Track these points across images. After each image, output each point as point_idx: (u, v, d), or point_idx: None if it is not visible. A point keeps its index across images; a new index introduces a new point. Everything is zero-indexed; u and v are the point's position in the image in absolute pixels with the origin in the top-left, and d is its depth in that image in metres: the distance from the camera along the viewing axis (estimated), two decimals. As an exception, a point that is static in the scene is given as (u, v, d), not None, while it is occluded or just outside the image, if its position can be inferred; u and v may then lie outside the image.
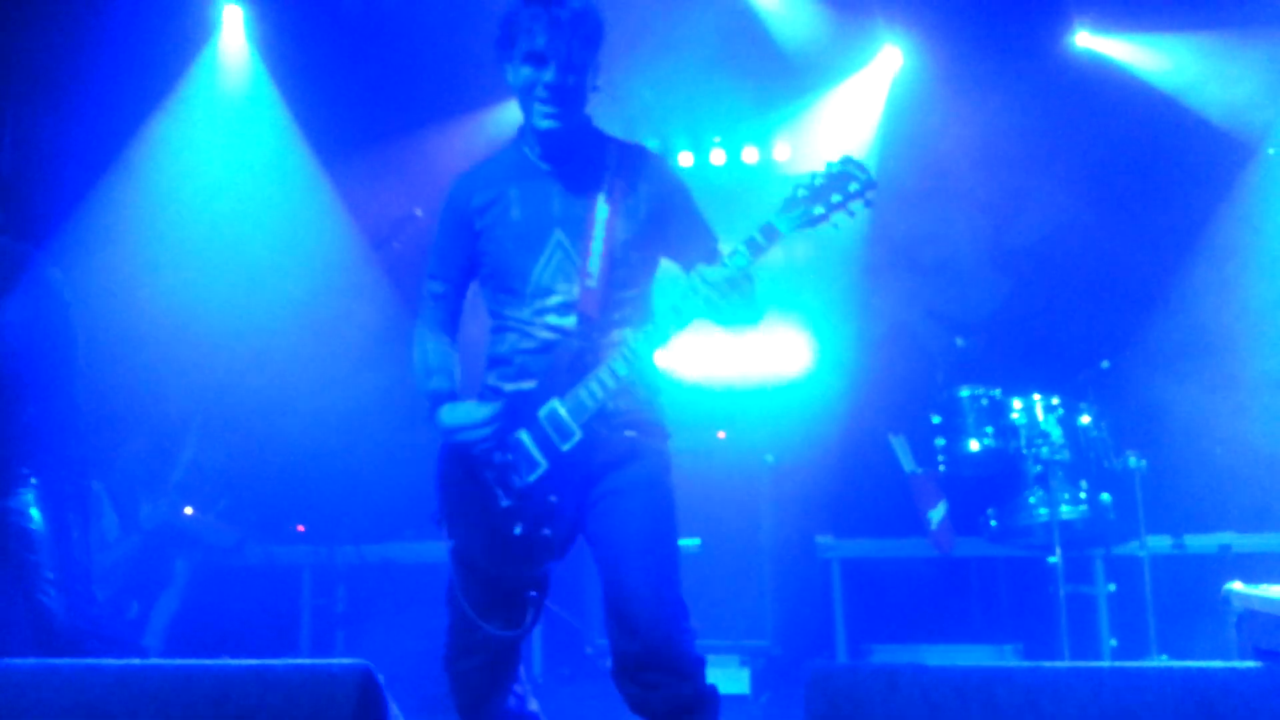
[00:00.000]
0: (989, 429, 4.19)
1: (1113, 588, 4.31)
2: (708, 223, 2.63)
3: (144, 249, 5.00)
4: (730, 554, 4.58)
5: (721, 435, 4.95)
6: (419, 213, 4.64)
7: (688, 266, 2.47)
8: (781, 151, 6.19)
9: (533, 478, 2.43)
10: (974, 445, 4.19)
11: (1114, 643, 4.24)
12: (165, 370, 4.72)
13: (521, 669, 2.69)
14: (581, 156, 2.55)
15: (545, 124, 2.47)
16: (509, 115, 6.08)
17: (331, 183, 5.65)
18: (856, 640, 4.74)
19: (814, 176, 2.37)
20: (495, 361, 2.60)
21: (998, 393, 4.23)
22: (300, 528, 5.14)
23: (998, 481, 4.28)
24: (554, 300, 2.49)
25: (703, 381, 5.27)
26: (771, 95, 5.93)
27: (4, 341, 3.15)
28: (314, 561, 4.98)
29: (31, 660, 2.65)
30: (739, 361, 5.36)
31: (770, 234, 2.37)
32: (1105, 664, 3.27)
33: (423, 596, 4.74)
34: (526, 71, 2.45)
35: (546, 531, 2.41)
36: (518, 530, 2.41)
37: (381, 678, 2.65)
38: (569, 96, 2.46)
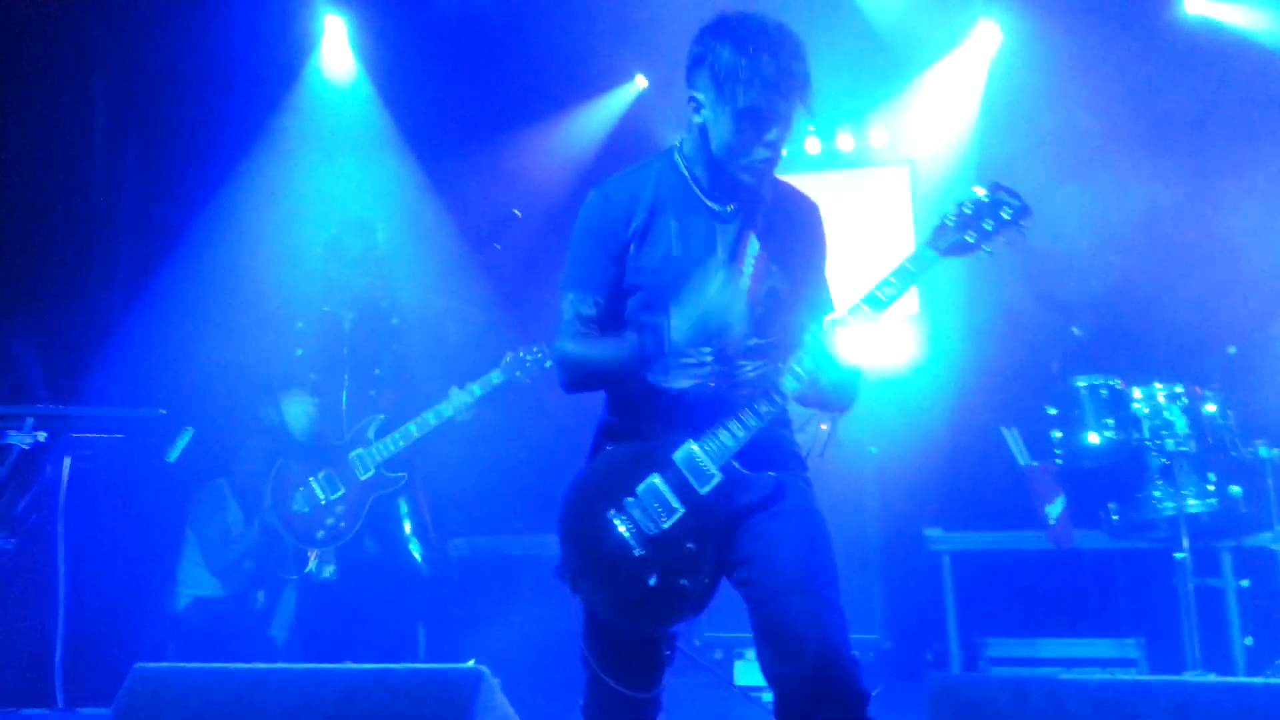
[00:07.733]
0: (1109, 420, 4.02)
1: (1246, 583, 4.12)
2: (830, 295, 2.52)
3: (258, 250, 5.16)
4: (835, 546, 4.49)
5: (824, 427, 4.86)
6: (518, 213, 4.68)
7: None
8: (878, 137, 6.05)
9: (668, 524, 2.27)
10: (1093, 438, 4.03)
11: (1249, 641, 4.06)
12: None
13: None
14: (745, 194, 2.44)
15: (747, 179, 2.36)
16: (600, 112, 6.16)
17: (432, 185, 5.75)
18: (969, 633, 4.63)
19: (963, 204, 2.32)
20: (624, 404, 2.45)
21: (1117, 382, 4.06)
22: None
23: (1119, 474, 4.11)
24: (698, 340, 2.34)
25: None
26: (864, 79, 5.79)
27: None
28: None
29: (168, 664, 2.77)
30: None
31: (922, 261, 2.28)
32: (1259, 680, 3.13)
33: (532, 588, 4.83)
34: (740, 125, 2.29)
35: (684, 582, 2.25)
36: (652, 581, 2.25)
37: (497, 681, 2.70)
38: (779, 155, 2.35)
